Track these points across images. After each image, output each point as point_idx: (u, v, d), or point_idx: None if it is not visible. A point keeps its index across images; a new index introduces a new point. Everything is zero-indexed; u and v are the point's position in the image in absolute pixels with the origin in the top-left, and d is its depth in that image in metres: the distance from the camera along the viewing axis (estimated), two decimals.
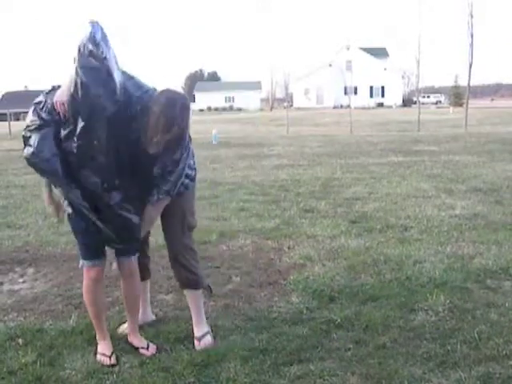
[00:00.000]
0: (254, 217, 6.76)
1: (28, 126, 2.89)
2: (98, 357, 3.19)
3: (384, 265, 4.71)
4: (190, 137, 3.19)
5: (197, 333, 3.40)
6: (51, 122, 2.87)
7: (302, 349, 3.23)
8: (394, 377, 2.89)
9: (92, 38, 2.70)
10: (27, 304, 4.13)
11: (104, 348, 3.22)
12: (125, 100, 2.85)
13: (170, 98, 2.91)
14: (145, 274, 3.57)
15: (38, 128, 2.86)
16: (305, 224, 6.34)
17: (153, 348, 3.28)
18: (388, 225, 6.16)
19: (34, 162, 2.89)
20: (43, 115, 2.87)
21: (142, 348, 3.29)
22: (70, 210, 3.08)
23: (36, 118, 2.88)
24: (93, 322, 3.30)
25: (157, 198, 3.13)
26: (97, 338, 3.29)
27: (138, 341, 3.34)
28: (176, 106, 2.87)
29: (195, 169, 3.41)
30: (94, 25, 2.74)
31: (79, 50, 2.71)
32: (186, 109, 2.92)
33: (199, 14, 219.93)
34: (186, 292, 3.50)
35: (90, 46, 2.69)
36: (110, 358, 3.16)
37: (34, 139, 2.85)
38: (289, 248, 5.40)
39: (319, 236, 5.78)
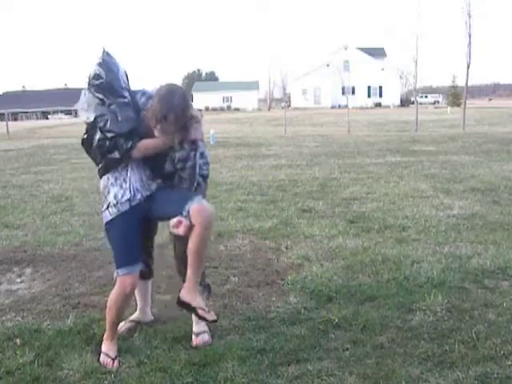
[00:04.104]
0: (252, 217, 6.76)
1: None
2: (102, 357, 3.15)
3: (382, 265, 4.71)
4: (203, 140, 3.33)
5: (195, 329, 3.42)
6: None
7: (299, 349, 3.23)
8: (392, 377, 2.89)
9: (103, 66, 3.10)
10: (25, 304, 4.12)
11: (109, 348, 3.19)
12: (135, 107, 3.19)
13: (170, 89, 3.10)
14: (148, 273, 3.59)
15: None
16: (302, 224, 6.34)
17: (213, 313, 3.18)
18: (386, 225, 6.17)
19: None
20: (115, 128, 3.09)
21: (201, 309, 3.13)
22: (109, 217, 3.14)
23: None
24: (107, 323, 3.23)
25: None
26: (105, 336, 3.24)
27: (197, 301, 3.12)
28: (174, 96, 3.03)
29: (207, 170, 3.43)
30: (105, 54, 3.14)
31: (90, 76, 3.12)
32: (184, 99, 3.07)
33: (197, 13, 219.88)
34: None
35: (102, 72, 3.10)
36: (113, 361, 3.13)
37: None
38: (287, 248, 5.40)
39: (317, 236, 5.78)
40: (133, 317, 3.76)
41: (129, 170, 3.14)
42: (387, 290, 4.10)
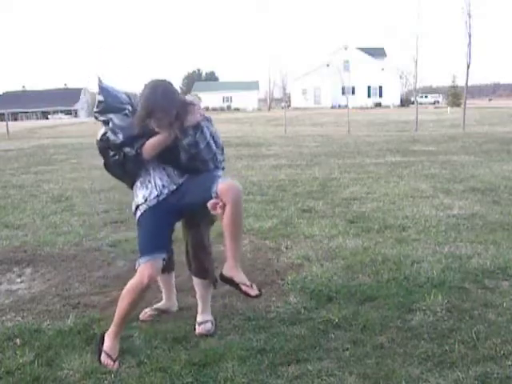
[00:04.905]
0: (252, 217, 6.75)
1: None
2: (103, 357, 3.13)
3: (382, 265, 4.71)
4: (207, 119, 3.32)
5: (199, 319, 3.50)
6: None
7: (299, 349, 3.23)
8: (392, 377, 2.89)
9: (101, 91, 3.31)
10: (25, 304, 4.12)
11: (112, 348, 3.16)
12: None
13: (152, 86, 3.11)
14: (169, 266, 3.61)
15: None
16: (302, 224, 6.34)
17: (255, 288, 3.19)
18: (386, 225, 6.16)
19: None
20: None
21: (244, 285, 3.16)
22: (139, 214, 3.27)
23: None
24: (116, 316, 3.20)
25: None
26: (109, 331, 3.21)
27: (240, 277, 3.17)
28: (157, 92, 3.05)
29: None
30: (99, 81, 3.33)
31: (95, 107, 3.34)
32: (167, 92, 3.08)
33: (198, 13, 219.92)
34: (195, 281, 3.61)
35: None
36: (114, 362, 3.11)
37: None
38: (287, 248, 5.40)
39: (317, 236, 5.78)
40: (158, 305, 3.83)
41: (151, 171, 3.31)
42: (387, 290, 4.10)
